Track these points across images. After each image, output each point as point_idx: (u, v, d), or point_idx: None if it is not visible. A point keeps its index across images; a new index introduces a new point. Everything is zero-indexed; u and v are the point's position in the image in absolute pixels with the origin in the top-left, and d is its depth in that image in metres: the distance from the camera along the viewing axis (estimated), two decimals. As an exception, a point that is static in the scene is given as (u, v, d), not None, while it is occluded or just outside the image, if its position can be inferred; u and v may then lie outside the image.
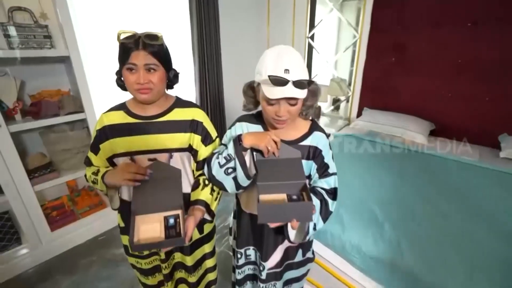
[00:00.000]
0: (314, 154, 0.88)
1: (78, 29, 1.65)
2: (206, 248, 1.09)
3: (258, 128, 0.91)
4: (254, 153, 0.82)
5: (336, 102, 3.29)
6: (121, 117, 0.88)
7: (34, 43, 1.49)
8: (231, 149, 0.82)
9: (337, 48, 3.21)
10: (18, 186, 1.55)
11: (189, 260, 1.04)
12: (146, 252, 1.02)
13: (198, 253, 1.07)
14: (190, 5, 2.40)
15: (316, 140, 0.88)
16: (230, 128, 0.95)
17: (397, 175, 1.67)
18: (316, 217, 0.82)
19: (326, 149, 0.89)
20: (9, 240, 1.66)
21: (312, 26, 3.09)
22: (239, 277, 1.07)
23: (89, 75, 1.73)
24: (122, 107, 0.91)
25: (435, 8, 2.21)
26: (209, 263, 1.13)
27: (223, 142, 0.96)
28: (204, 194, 0.92)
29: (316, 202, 0.82)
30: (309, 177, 0.90)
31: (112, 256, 1.81)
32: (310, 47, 3.18)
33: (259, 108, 0.92)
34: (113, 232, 2.03)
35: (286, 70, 0.71)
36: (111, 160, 0.92)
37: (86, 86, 1.67)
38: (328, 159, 0.89)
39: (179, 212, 0.79)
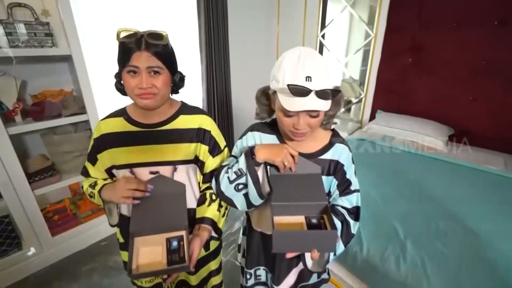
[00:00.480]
0: (335, 169, 0.78)
1: (81, 26, 1.58)
2: (212, 265, 1.00)
3: (272, 138, 0.81)
4: (268, 167, 0.72)
5: (347, 104, 3.16)
6: (120, 125, 0.80)
7: (35, 41, 1.42)
8: (242, 163, 0.72)
9: (348, 48, 3.07)
10: (17, 190, 1.48)
11: (194, 280, 0.96)
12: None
13: (203, 272, 0.98)
14: (198, 2, 2.31)
15: (337, 153, 0.78)
16: (241, 137, 0.86)
17: (416, 184, 1.56)
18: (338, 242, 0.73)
19: (348, 164, 0.79)
20: (9, 245, 1.60)
21: (323, 25, 2.97)
22: (247, 298, 0.98)
23: (92, 74, 1.66)
24: (122, 113, 0.82)
25: (457, 5, 2.07)
26: (215, 280, 1.04)
27: (233, 153, 0.86)
28: (211, 211, 0.83)
29: (337, 224, 0.73)
30: (328, 194, 0.80)
31: (114, 264, 1.74)
32: (321, 47, 3.06)
33: (274, 116, 0.82)
34: (114, 237, 1.96)
35: (308, 78, 0.61)
36: (110, 171, 0.84)
37: (89, 86, 1.60)
38: (350, 174, 0.79)
39: (183, 233, 0.71)
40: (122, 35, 0.69)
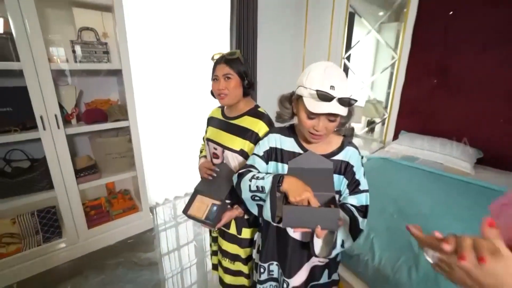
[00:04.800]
0: (346, 169, 0.85)
1: (130, 45, 1.85)
2: (240, 250, 1.13)
3: (290, 141, 0.91)
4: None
5: (370, 124, 3.18)
6: (218, 113, 1.17)
7: (95, 57, 1.69)
8: (268, 185, 0.78)
9: (374, 69, 3.15)
10: (66, 184, 1.70)
11: (224, 244, 1.16)
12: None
13: (232, 248, 1.14)
14: (231, 23, 2.57)
15: (348, 155, 0.86)
16: (262, 138, 0.97)
17: (437, 204, 1.53)
18: (346, 234, 0.78)
19: (358, 165, 0.86)
20: (52, 233, 1.80)
21: (348, 46, 3.10)
22: (260, 293, 1.03)
23: (135, 86, 1.90)
24: (221, 107, 1.18)
25: (483, 27, 2.09)
26: (241, 266, 1.15)
27: (255, 151, 0.96)
28: None
29: (345, 218, 0.79)
30: (339, 193, 0.87)
31: (138, 260, 1.87)
32: (345, 69, 3.16)
33: (292, 122, 0.93)
34: (141, 236, 2.11)
35: (332, 87, 0.72)
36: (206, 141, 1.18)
37: (133, 96, 1.84)
38: (359, 175, 0.86)
39: (219, 202, 1.01)
40: (216, 57, 1.03)
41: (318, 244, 0.79)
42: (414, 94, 2.60)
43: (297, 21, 3.33)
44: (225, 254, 1.16)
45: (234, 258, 1.15)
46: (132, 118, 1.88)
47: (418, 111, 2.60)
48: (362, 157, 0.89)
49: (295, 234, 0.90)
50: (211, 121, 1.18)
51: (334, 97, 0.71)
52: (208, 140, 1.14)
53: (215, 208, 1.00)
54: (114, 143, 1.94)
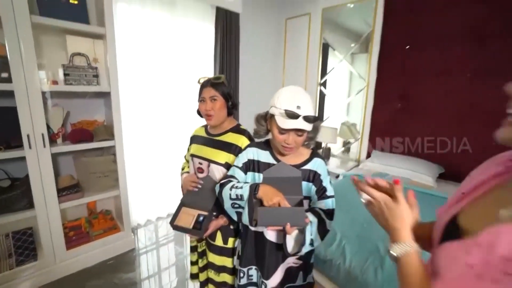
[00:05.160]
0: (314, 177, 0.98)
1: (118, 69, 1.97)
2: (227, 261, 1.19)
3: (266, 153, 1.04)
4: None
5: (346, 144, 3.40)
6: (202, 132, 1.27)
7: (85, 80, 1.79)
8: (246, 193, 0.90)
9: (349, 92, 3.43)
10: (47, 202, 1.70)
11: (210, 257, 1.20)
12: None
13: (219, 260, 1.19)
14: (215, 51, 2.78)
15: (316, 165, 0.99)
16: (242, 152, 1.09)
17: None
18: (314, 234, 0.89)
19: (325, 174, 0.99)
20: (27, 256, 1.75)
21: (324, 73, 3.39)
22: (240, 299, 1.09)
23: (122, 108, 1.99)
24: (205, 126, 1.29)
25: (435, 58, 2.42)
26: (226, 277, 1.20)
27: (235, 164, 1.07)
28: None
29: (314, 220, 0.90)
30: (309, 198, 0.99)
31: (119, 281, 1.83)
32: (322, 93, 3.44)
33: (267, 137, 1.07)
34: (123, 257, 2.08)
35: (298, 107, 0.87)
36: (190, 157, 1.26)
37: (120, 117, 1.92)
38: (326, 183, 0.99)
39: (206, 213, 1.09)
40: (201, 81, 1.15)
41: (290, 243, 0.89)
42: (382, 117, 2.87)
43: (277, 50, 3.65)
44: (211, 266, 1.21)
45: (220, 269, 1.19)
46: (118, 138, 1.95)
47: (387, 132, 2.85)
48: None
49: (271, 236, 1.00)
50: (195, 139, 1.27)
51: (300, 115, 0.86)
52: (193, 156, 1.22)
53: (201, 218, 1.07)
54: (99, 162, 1.97)
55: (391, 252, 0.51)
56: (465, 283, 0.37)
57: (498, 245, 0.35)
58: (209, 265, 1.22)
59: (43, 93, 1.60)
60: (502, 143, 0.43)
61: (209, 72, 2.80)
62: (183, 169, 1.35)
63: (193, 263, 1.38)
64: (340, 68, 3.29)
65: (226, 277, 1.20)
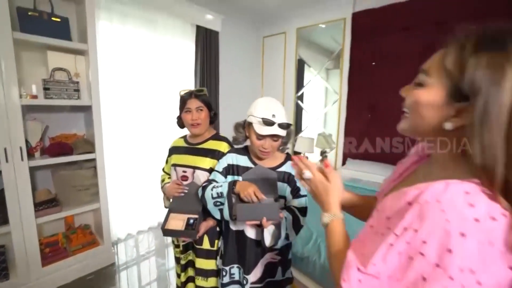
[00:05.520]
0: (289, 178, 1.08)
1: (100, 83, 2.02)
2: (213, 264, 1.24)
3: (245, 158, 1.13)
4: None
5: (323, 153, 3.58)
6: (181, 142, 1.34)
7: (65, 94, 1.81)
8: (225, 190, 1.01)
9: (325, 105, 3.65)
10: (23, 217, 1.66)
11: (198, 263, 1.24)
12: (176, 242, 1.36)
13: (206, 264, 1.23)
14: (195, 68, 2.88)
15: (290, 167, 1.10)
16: (222, 158, 1.17)
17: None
18: (289, 229, 0.99)
19: (298, 175, 1.10)
20: (-3, 275, 1.68)
21: (301, 87, 3.60)
22: (223, 297, 1.14)
23: (103, 121, 2.02)
24: (184, 137, 1.36)
25: (397, 75, 2.68)
26: (214, 282, 1.24)
27: (216, 168, 1.16)
28: None
29: (288, 216, 1.00)
30: (285, 198, 1.09)
31: (98, 296, 1.79)
32: (299, 106, 3.63)
33: (246, 143, 1.17)
34: (102, 272, 2.03)
35: (273, 115, 0.98)
36: (171, 168, 1.31)
37: (101, 130, 1.95)
38: (299, 183, 1.09)
39: (197, 216, 1.15)
40: (182, 93, 1.24)
41: (267, 237, 0.98)
42: (355, 127, 3.09)
43: (255, 66, 3.84)
44: (199, 272, 1.25)
45: (208, 274, 1.24)
46: (99, 151, 1.96)
47: (359, 141, 3.06)
48: None
49: (250, 233, 1.07)
50: (175, 150, 1.33)
51: (275, 123, 0.97)
52: (176, 165, 1.28)
53: (192, 221, 1.14)
54: (79, 175, 1.96)
55: (322, 220, 0.63)
56: (366, 237, 0.51)
57: (384, 209, 0.48)
58: (197, 272, 1.25)
59: (23, 107, 1.61)
60: (402, 133, 0.57)
61: (190, 87, 2.90)
62: (163, 181, 1.38)
63: (178, 275, 1.40)
64: (316, 82, 3.52)
65: (213, 282, 1.24)
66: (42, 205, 1.80)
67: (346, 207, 0.72)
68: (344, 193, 0.71)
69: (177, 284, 1.43)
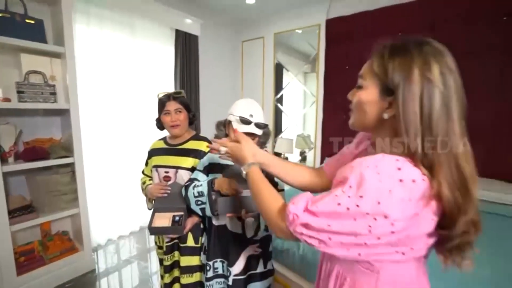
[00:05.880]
0: (267, 174, 1.16)
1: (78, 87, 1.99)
2: (198, 260, 1.28)
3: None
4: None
5: (302, 153, 3.71)
6: (161, 144, 1.37)
7: (41, 98, 1.78)
8: (205, 189, 1.07)
9: (304, 107, 3.79)
10: (-4, 225, 1.60)
11: (183, 261, 1.27)
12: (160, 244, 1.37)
13: (191, 260, 1.26)
14: (175, 71, 2.90)
15: (267, 164, 1.17)
16: (202, 157, 1.23)
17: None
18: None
19: (275, 171, 1.18)
20: (-31, 287, 1.60)
21: (279, 89, 3.72)
22: (208, 290, 1.18)
23: (81, 125, 2.00)
24: (163, 139, 1.39)
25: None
26: (199, 276, 1.28)
27: (197, 168, 1.21)
28: None
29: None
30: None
31: (78, 303, 1.76)
32: (278, 109, 3.75)
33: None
34: (81, 279, 1.98)
35: (251, 115, 1.05)
36: (152, 170, 1.35)
37: (79, 134, 1.92)
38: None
39: (182, 213, 1.20)
40: (160, 95, 1.28)
41: (248, 229, 1.04)
42: (331, 128, 3.25)
43: (234, 69, 3.93)
44: (184, 270, 1.27)
45: (193, 270, 1.27)
46: (78, 155, 1.93)
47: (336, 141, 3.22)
48: None
49: (232, 228, 1.13)
50: (155, 152, 1.36)
51: (252, 122, 1.05)
52: (158, 166, 1.31)
53: (177, 218, 1.18)
54: (55, 180, 1.91)
55: (242, 173, 0.76)
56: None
57: (337, 177, 0.57)
58: (183, 270, 1.27)
59: (-5, 110, 1.57)
60: (352, 128, 0.68)
61: (170, 90, 2.91)
62: (144, 183, 1.39)
63: (162, 277, 1.40)
64: (294, 85, 3.66)
65: (198, 276, 1.28)
66: (17, 212, 1.74)
67: (267, 165, 0.83)
68: (259, 150, 0.84)
69: (160, 286, 1.44)
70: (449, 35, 2.36)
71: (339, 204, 0.50)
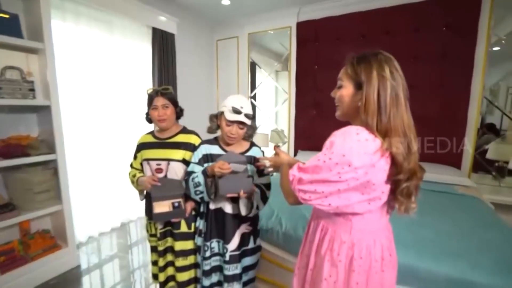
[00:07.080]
0: (254, 161, 1.34)
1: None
2: (191, 244, 1.40)
3: (216, 147, 1.34)
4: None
5: (277, 147, 3.94)
6: (149, 138, 1.44)
7: (20, 94, 1.75)
8: (201, 179, 1.21)
9: (276, 104, 4.01)
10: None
11: (177, 246, 1.38)
12: (152, 232, 1.47)
13: (185, 245, 1.38)
14: (153, 69, 2.93)
15: (254, 152, 1.35)
16: (196, 149, 1.36)
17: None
18: (259, 200, 1.24)
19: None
20: None
21: (254, 87, 3.90)
22: (206, 268, 1.32)
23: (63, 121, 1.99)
24: (151, 133, 1.46)
25: (334, 76, 3.17)
26: (193, 259, 1.40)
27: (192, 160, 1.33)
28: None
29: (257, 191, 1.25)
30: (252, 177, 1.33)
31: (66, 298, 1.77)
32: (253, 105, 3.93)
33: (216, 134, 1.38)
34: (66, 275, 1.99)
35: (241, 107, 1.22)
36: (141, 163, 1.44)
37: (61, 130, 1.92)
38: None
39: (180, 199, 1.30)
40: (149, 91, 1.37)
41: (242, 208, 1.22)
42: (303, 122, 3.52)
43: (210, 67, 4.03)
44: (179, 254, 1.38)
45: (187, 253, 1.39)
46: (60, 151, 1.93)
47: (308, 134, 3.50)
48: (263, 153, 1.40)
49: (228, 209, 1.29)
50: (144, 145, 1.42)
51: (242, 112, 1.21)
52: (149, 159, 1.39)
53: (176, 204, 1.28)
54: (35, 178, 1.88)
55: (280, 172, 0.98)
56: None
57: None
58: (177, 254, 1.39)
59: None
60: (338, 119, 0.89)
61: (148, 87, 2.93)
62: (134, 175, 1.44)
63: (154, 263, 1.51)
64: (267, 83, 3.86)
65: (192, 259, 1.41)
66: (-4, 210, 1.71)
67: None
68: (289, 156, 1.08)
69: (153, 273, 1.54)
70: (400, 40, 2.74)
71: (318, 159, 0.73)
